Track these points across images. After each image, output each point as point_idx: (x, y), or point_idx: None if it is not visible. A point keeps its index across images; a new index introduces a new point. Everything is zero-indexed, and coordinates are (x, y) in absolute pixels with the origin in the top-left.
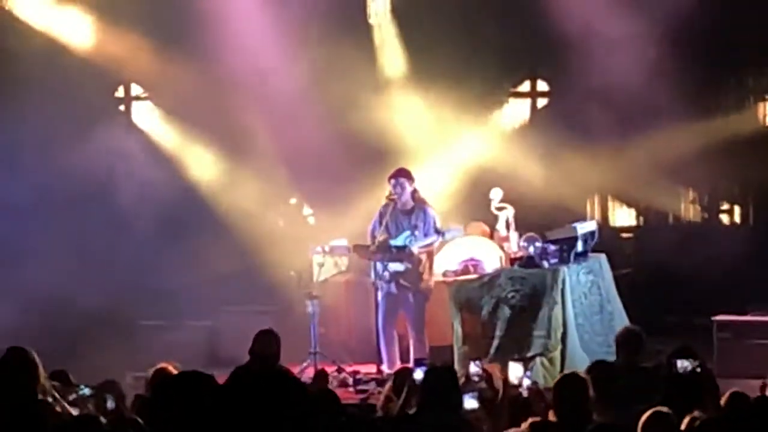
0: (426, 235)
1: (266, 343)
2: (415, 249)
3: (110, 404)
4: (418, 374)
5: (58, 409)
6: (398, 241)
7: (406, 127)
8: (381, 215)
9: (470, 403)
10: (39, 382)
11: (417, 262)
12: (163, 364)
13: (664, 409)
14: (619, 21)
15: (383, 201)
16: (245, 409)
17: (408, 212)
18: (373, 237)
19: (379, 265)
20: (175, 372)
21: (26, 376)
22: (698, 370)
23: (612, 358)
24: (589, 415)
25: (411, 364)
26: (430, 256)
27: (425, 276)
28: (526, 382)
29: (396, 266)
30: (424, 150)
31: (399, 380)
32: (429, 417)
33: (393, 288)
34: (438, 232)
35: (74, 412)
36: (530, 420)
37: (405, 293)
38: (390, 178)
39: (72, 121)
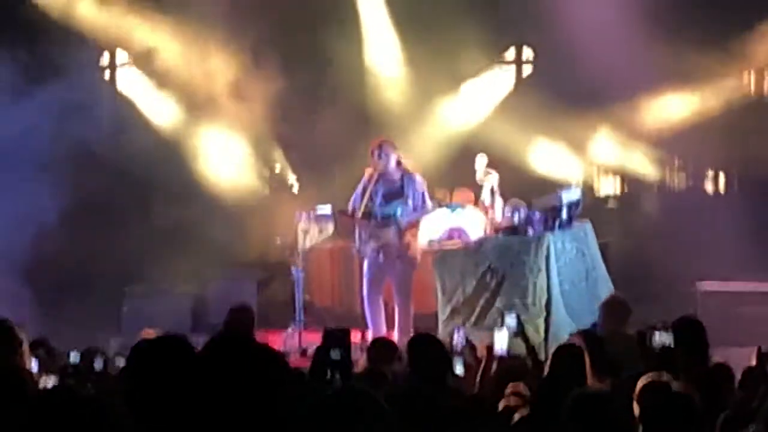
0: (416, 208)
1: (237, 321)
2: (403, 221)
3: (98, 365)
4: None
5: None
6: (387, 210)
7: (391, 94)
8: (364, 187)
9: (458, 368)
10: (19, 352)
11: (404, 230)
12: (148, 331)
13: (665, 377)
14: None
15: (367, 172)
16: (218, 380)
17: (396, 182)
18: (354, 210)
19: (363, 234)
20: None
21: (5, 348)
22: (672, 345)
23: None
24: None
25: (395, 332)
26: (416, 224)
27: (412, 244)
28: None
29: (384, 236)
30: (410, 116)
31: (375, 351)
32: (416, 385)
33: (381, 258)
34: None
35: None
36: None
37: (391, 261)
38: (372, 148)
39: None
